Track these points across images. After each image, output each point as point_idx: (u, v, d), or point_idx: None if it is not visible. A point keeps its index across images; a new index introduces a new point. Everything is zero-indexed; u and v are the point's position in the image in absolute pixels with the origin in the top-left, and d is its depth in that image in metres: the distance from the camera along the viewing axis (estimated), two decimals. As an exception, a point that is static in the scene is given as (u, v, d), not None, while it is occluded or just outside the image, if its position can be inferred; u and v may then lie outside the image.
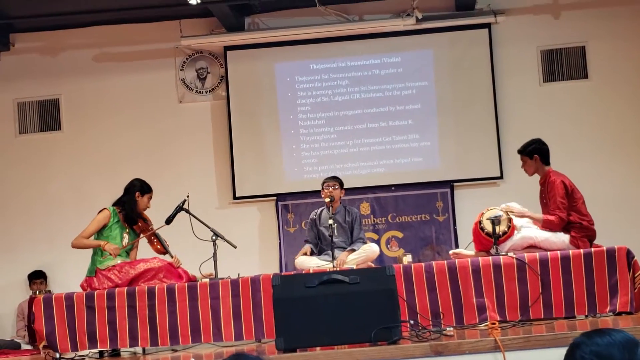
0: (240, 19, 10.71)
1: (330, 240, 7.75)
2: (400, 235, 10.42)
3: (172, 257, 7.48)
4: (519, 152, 7.46)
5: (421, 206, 10.42)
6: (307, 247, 8.35)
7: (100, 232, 7.40)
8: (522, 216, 7.19)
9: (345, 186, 8.54)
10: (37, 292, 9.45)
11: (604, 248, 6.68)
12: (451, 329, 6.25)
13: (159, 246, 7.62)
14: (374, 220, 10.46)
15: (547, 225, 7.08)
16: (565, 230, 7.08)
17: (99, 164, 10.77)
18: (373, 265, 8.09)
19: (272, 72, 10.76)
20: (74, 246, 7.40)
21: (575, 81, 10.52)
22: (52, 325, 6.93)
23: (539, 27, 10.55)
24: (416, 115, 10.58)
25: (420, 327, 6.22)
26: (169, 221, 7.42)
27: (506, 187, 10.23)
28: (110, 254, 7.22)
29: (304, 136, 10.69)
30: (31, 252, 10.61)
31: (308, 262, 8.04)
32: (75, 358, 7.05)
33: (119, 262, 7.27)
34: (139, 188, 7.56)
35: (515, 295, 6.62)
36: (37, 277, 10.40)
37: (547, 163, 7.37)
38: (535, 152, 7.32)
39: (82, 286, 7.29)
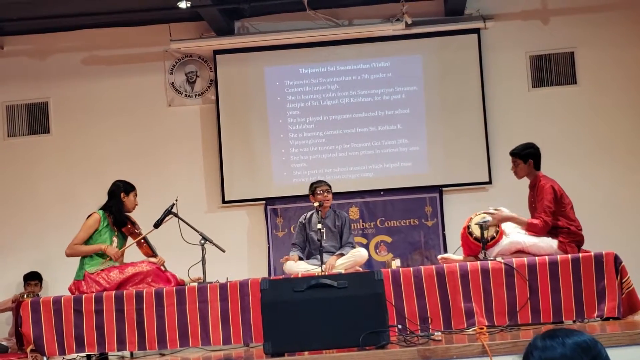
0: (229, 23, 10.71)
1: (319, 245, 7.75)
2: (389, 239, 10.43)
3: (156, 257, 7.48)
4: (514, 153, 7.42)
5: (410, 211, 10.43)
6: (295, 256, 8.31)
7: (90, 237, 7.37)
8: (506, 220, 7.16)
9: (334, 191, 8.55)
10: (26, 295, 9.41)
11: (592, 253, 6.70)
12: (439, 333, 6.25)
13: (148, 250, 7.61)
14: (362, 225, 10.47)
15: (530, 229, 7.08)
16: (554, 235, 7.09)
17: (88, 167, 10.75)
18: (361, 269, 8.09)
19: (262, 76, 10.76)
20: (69, 255, 7.35)
21: (564, 87, 10.56)
22: (39, 329, 6.91)
23: (528, 32, 10.58)
24: (405, 120, 10.60)
25: (408, 332, 6.23)
26: (157, 225, 7.41)
27: (495, 192, 10.26)
28: (112, 258, 7.21)
29: (293, 140, 10.69)
30: (19, 256, 10.58)
31: (296, 267, 8.03)
32: (62, 362, 7.04)
33: (107, 266, 7.26)
34: (123, 189, 7.55)
35: (503, 300, 6.63)
36: (32, 279, 10.31)
37: (539, 168, 7.39)
38: (530, 157, 7.33)
39: (70, 290, 7.27)
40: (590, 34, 10.52)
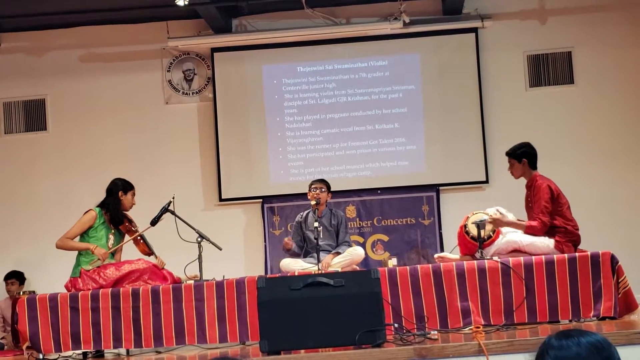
0: (227, 21, 10.71)
1: (316, 243, 7.75)
2: (385, 238, 10.43)
3: (156, 258, 7.47)
4: (508, 154, 7.48)
5: (407, 210, 10.43)
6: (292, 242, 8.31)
7: (86, 233, 7.37)
8: (505, 225, 7.17)
9: (331, 189, 8.54)
10: (17, 294, 9.40)
11: (589, 253, 6.69)
12: (435, 332, 6.25)
13: (144, 247, 7.60)
14: (359, 224, 10.47)
15: (530, 232, 7.10)
16: (550, 234, 7.10)
17: (85, 164, 10.75)
18: (358, 268, 8.09)
19: (259, 74, 10.75)
20: (58, 247, 7.36)
21: (561, 86, 10.57)
22: (35, 326, 6.90)
23: (525, 32, 10.59)
24: (403, 118, 10.60)
25: (404, 331, 6.23)
26: (154, 222, 7.39)
27: (492, 191, 10.26)
28: (99, 259, 7.20)
29: (290, 139, 10.69)
30: (16, 252, 10.57)
31: (293, 265, 8.04)
32: (58, 359, 7.02)
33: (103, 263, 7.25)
34: (121, 187, 7.54)
35: (499, 299, 6.63)
36: (9, 278, 10.28)
37: (535, 167, 7.39)
38: (524, 156, 7.35)
39: (66, 287, 7.26)
40: (588, 34, 10.53)
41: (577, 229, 7.16)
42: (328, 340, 5.64)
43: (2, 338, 9.61)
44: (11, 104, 10.95)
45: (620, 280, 6.63)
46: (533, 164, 7.39)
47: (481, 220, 7.00)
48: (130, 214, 7.68)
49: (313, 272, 7.10)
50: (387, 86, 10.66)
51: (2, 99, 10.95)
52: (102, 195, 7.61)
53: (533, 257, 6.76)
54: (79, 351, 7.02)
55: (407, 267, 6.81)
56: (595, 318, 6.59)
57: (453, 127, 10.49)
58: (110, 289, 6.98)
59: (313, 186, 8.39)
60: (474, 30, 10.56)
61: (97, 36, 10.90)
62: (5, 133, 10.95)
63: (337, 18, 10.72)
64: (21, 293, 8.32)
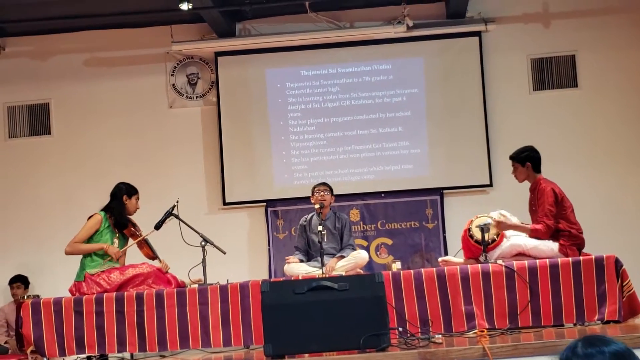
0: (231, 25, 10.72)
1: (320, 247, 7.75)
2: (389, 242, 10.42)
3: (160, 262, 7.47)
4: (511, 157, 7.47)
5: (411, 213, 10.43)
6: (296, 259, 8.29)
7: (91, 238, 7.37)
8: (509, 229, 7.17)
9: (335, 193, 8.54)
10: (21, 298, 9.40)
11: (593, 256, 6.69)
12: (440, 336, 6.24)
13: (148, 251, 7.61)
14: (363, 227, 10.46)
15: (534, 235, 7.09)
16: (554, 238, 7.09)
17: (89, 169, 10.76)
18: (362, 271, 8.09)
19: (263, 78, 10.76)
20: (68, 253, 7.34)
21: (565, 90, 10.56)
22: (40, 330, 6.90)
23: (529, 35, 10.58)
24: (406, 122, 10.60)
25: (408, 335, 6.22)
26: (158, 226, 7.40)
27: (496, 194, 10.25)
28: (113, 257, 7.22)
29: (294, 142, 10.69)
30: (19, 257, 10.58)
31: (297, 269, 8.03)
32: (62, 363, 7.03)
33: (107, 267, 7.25)
34: (125, 191, 7.54)
35: (504, 302, 6.62)
36: (14, 282, 10.29)
37: (538, 171, 7.39)
38: (527, 160, 7.35)
39: (70, 291, 7.26)
40: (592, 37, 10.53)
41: (581, 233, 7.15)
42: (332, 344, 5.64)
43: (6, 342, 9.62)
44: (15, 108, 10.97)
45: (624, 284, 6.62)
46: (537, 168, 7.38)
47: (485, 224, 7.00)
48: (135, 217, 7.69)
49: (317, 276, 7.09)
50: (390, 90, 10.67)
51: (6, 103, 10.97)
52: (106, 199, 7.61)
53: (537, 260, 6.76)
54: (83, 355, 7.02)
55: (411, 271, 6.81)
56: (599, 322, 6.59)
57: (457, 131, 10.49)
58: (115, 293, 6.98)
59: (316, 189, 8.40)
60: (478, 33, 10.56)
61: (101, 40, 10.91)
62: (9, 137, 10.96)
63: (341, 22, 10.73)
64: (25, 297, 8.33)
